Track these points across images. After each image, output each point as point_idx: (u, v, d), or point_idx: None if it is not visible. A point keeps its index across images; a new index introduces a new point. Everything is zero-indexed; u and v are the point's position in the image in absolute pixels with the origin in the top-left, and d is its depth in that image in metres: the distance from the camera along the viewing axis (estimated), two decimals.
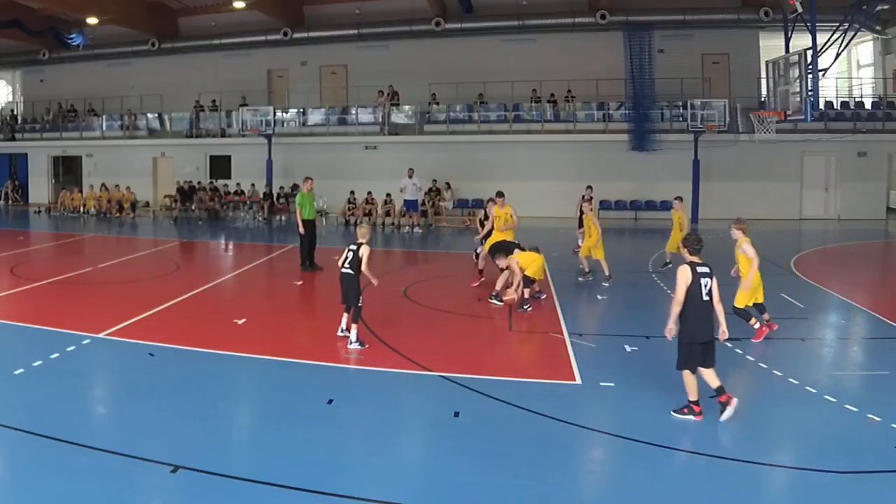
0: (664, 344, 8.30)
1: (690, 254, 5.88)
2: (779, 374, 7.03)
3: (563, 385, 6.83)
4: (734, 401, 5.75)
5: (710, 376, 5.84)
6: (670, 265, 12.66)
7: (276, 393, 6.69)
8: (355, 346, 7.81)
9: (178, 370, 7.25)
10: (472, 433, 5.67)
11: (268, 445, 5.40)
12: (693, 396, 5.84)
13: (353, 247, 8.13)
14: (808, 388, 6.60)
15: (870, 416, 5.85)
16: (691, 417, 5.82)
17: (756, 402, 6.35)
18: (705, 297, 5.72)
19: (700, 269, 5.76)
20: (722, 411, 5.74)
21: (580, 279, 12.21)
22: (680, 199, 13.21)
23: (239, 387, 6.99)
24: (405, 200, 20.90)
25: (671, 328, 5.79)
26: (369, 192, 22.52)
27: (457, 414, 6.00)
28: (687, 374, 5.83)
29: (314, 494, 4.58)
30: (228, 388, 6.85)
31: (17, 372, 6.89)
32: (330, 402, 6.26)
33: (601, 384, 6.77)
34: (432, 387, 6.78)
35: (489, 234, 11.91)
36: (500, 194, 12.13)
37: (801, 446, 5.55)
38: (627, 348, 8.00)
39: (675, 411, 5.92)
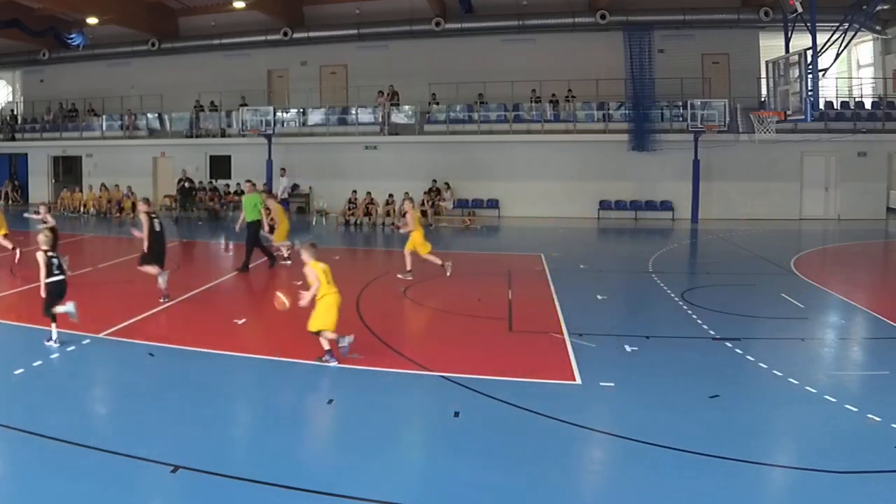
0: (664, 344, 8.36)
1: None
2: (779, 374, 7.02)
3: (563, 385, 6.83)
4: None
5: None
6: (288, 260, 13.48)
7: (276, 393, 6.69)
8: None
9: (178, 370, 7.25)
10: (472, 433, 5.66)
11: (268, 445, 5.40)
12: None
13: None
14: (808, 388, 6.60)
15: (870, 416, 5.84)
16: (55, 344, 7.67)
17: (756, 402, 6.36)
18: (55, 271, 7.81)
19: (50, 255, 7.86)
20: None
21: (401, 276, 12.09)
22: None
23: (239, 387, 6.99)
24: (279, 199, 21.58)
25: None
26: (369, 193, 22.52)
27: (457, 414, 5.99)
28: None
29: (314, 494, 4.57)
30: (228, 388, 6.85)
31: (17, 372, 6.89)
32: (330, 402, 6.25)
33: (601, 384, 6.76)
34: (432, 387, 6.77)
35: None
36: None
37: (801, 446, 5.56)
38: (627, 348, 8.00)
39: (47, 340, 7.72)
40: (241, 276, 12.69)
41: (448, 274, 11.98)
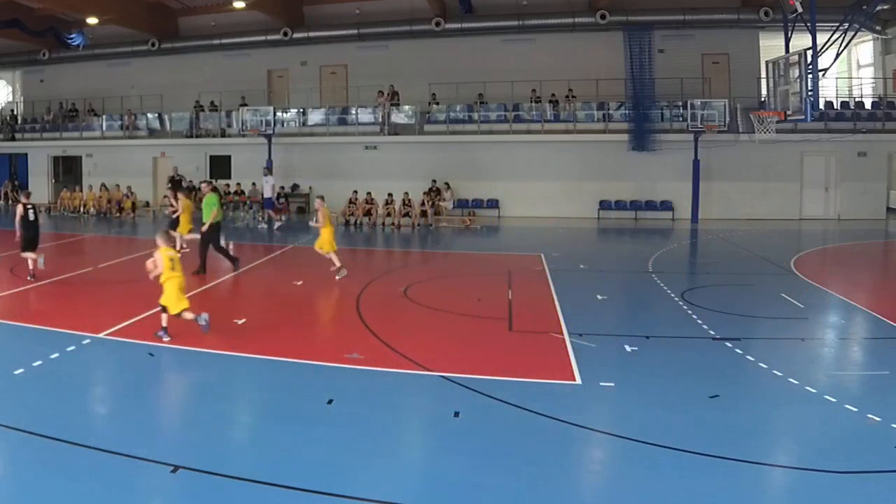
0: (664, 344, 8.36)
1: None
2: (779, 374, 7.02)
3: (563, 385, 6.82)
4: None
5: None
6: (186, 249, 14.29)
7: (276, 393, 6.69)
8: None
9: (178, 370, 7.25)
10: (472, 433, 5.66)
11: (268, 445, 5.40)
12: None
13: None
14: (808, 388, 6.60)
15: (870, 416, 5.84)
16: None
17: (756, 402, 6.35)
18: None
19: None
20: None
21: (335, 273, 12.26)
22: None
23: (239, 387, 6.99)
24: (264, 199, 22.03)
25: None
26: (369, 193, 22.53)
27: (457, 414, 5.99)
28: None
29: (314, 494, 4.57)
30: (228, 388, 6.85)
31: (17, 372, 6.89)
32: (330, 402, 6.25)
33: (601, 384, 6.76)
34: (432, 387, 6.77)
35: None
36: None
37: (801, 446, 5.56)
38: (627, 348, 8.00)
39: None
40: (241, 278, 12.70)
41: (338, 278, 11.99)
